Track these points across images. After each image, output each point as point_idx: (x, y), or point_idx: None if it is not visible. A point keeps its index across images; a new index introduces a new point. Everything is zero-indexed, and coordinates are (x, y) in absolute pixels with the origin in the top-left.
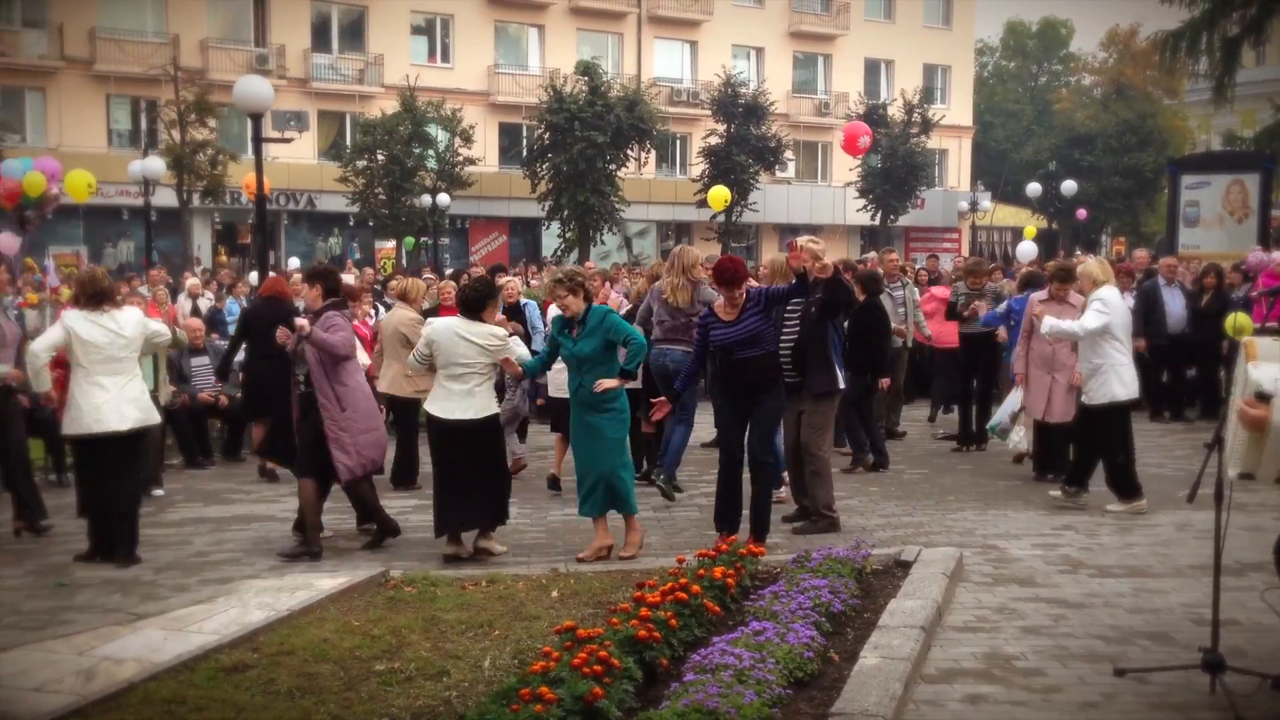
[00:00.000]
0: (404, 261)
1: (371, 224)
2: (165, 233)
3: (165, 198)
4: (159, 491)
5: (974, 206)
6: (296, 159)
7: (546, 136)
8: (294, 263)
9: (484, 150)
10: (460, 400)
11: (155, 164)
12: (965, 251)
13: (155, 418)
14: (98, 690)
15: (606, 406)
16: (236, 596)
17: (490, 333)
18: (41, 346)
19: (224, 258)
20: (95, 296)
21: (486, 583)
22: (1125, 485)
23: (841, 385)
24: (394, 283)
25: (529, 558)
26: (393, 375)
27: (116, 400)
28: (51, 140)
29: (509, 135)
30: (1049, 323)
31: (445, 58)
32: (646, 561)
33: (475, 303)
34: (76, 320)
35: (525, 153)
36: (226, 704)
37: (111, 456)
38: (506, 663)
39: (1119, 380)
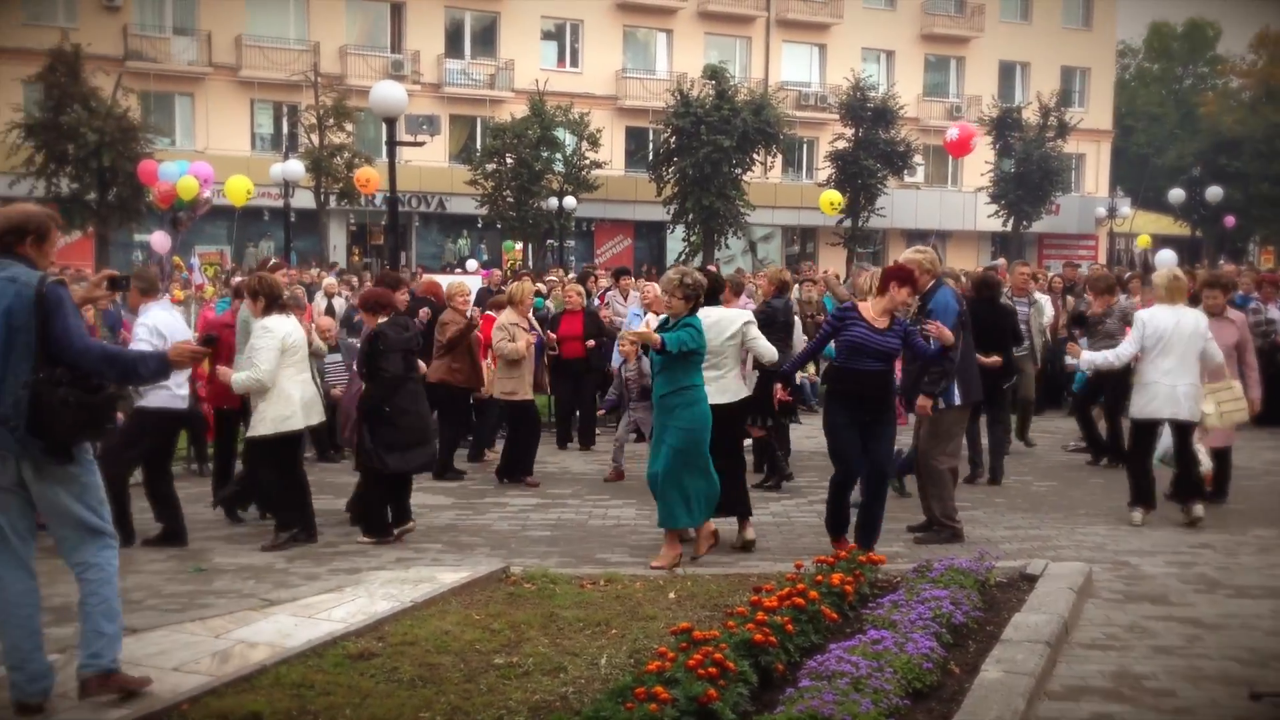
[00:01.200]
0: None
1: (499, 226)
2: (303, 233)
3: (303, 199)
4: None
5: (1112, 213)
6: (428, 162)
7: (673, 140)
8: (471, 264)
9: (610, 154)
10: (714, 385)
11: (295, 167)
12: (1102, 259)
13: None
14: (231, 672)
15: (674, 416)
16: (364, 587)
17: (736, 318)
18: (271, 365)
19: (357, 257)
20: (278, 300)
21: (604, 582)
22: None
23: (957, 400)
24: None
25: (647, 559)
26: (493, 377)
27: (310, 398)
28: (199, 143)
29: (635, 139)
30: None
31: (574, 62)
32: (764, 566)
33: (713, 292)
34: (283, 323)
35: (651, 156)
36: (352, 690)
37: (292, 451)
38: (622, 661)
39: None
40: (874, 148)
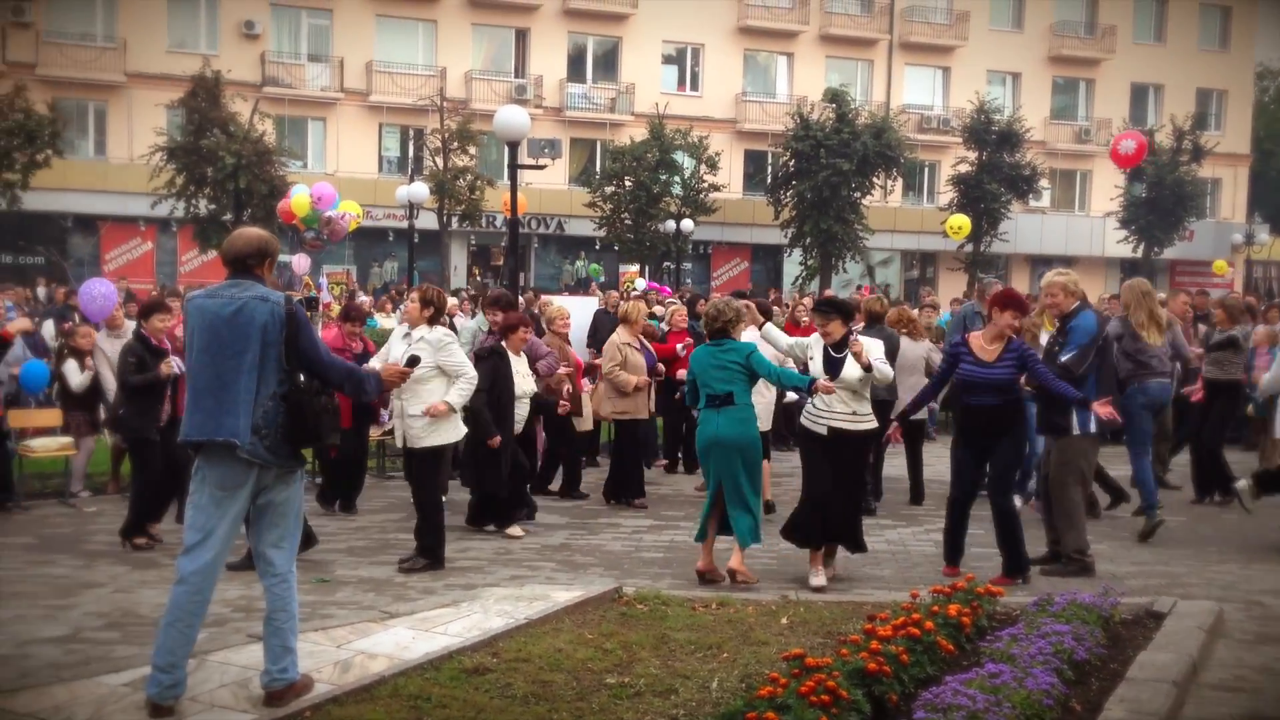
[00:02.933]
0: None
1: (617, 248)
2: (425, 254)
3: (426, 220)
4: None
5: (1249, 239)
6: (549, 185)
7: (791, 163)
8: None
9: (729, 177)
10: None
11: (420, 189)
12: (1239, 288)
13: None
14: (352, 681)
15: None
16: (479, 602)
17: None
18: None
19: (477, 277)
20: (444, 312)
21: (717, 605)
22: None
23: (1092, 428)
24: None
25: (760, 583)
26: (601, 397)
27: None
28: (329, 166)
29: (754, 162)
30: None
31: (694, 86)
32: (879, 595)
33: (850, 313)
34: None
35: (769, 179)
36: (467, 704)
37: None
38: (734, 685)
39: None
40: (998, 171)
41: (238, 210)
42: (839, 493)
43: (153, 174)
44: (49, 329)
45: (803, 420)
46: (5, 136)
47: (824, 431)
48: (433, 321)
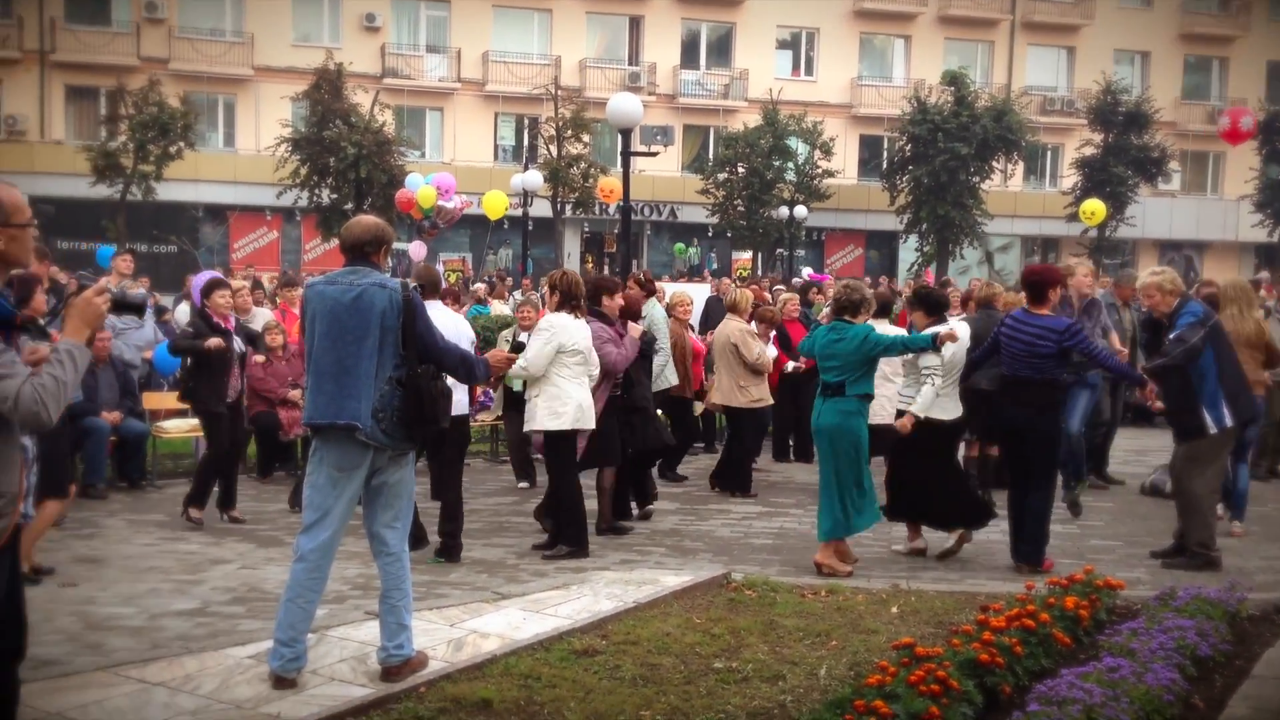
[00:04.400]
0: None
1: (729, 235)
2: (539, 241)
3: (540, 208)
4: (524, 484)
5: None
6: (661, 171)
7: (908, 148)
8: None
9: (843, 162)
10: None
11: (534, 177)
12: None
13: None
14: (465, 659)
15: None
16: (589, 585)
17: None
18: (536, 357)
19: (590, 265)
20: (574, 300)
21: (826, 592)
22: None
23: (1214, 427)
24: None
25: (870, 571)
26: (727, 386)
27: (586, 402)
28: (446, 155)
29: (869, 147)
30: None
31: (809, 70)
32: (991, 585)
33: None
34: (565, 322)
35: (885, 165)
36: (576, 684)
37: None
38: (842, 673)
39: None
40: (1125, 154)
41: (358, 199)
42: (926, 474)
43: (278, 165)
44: (182, 313)
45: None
46: (140, 130)
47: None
48: (560, 307)
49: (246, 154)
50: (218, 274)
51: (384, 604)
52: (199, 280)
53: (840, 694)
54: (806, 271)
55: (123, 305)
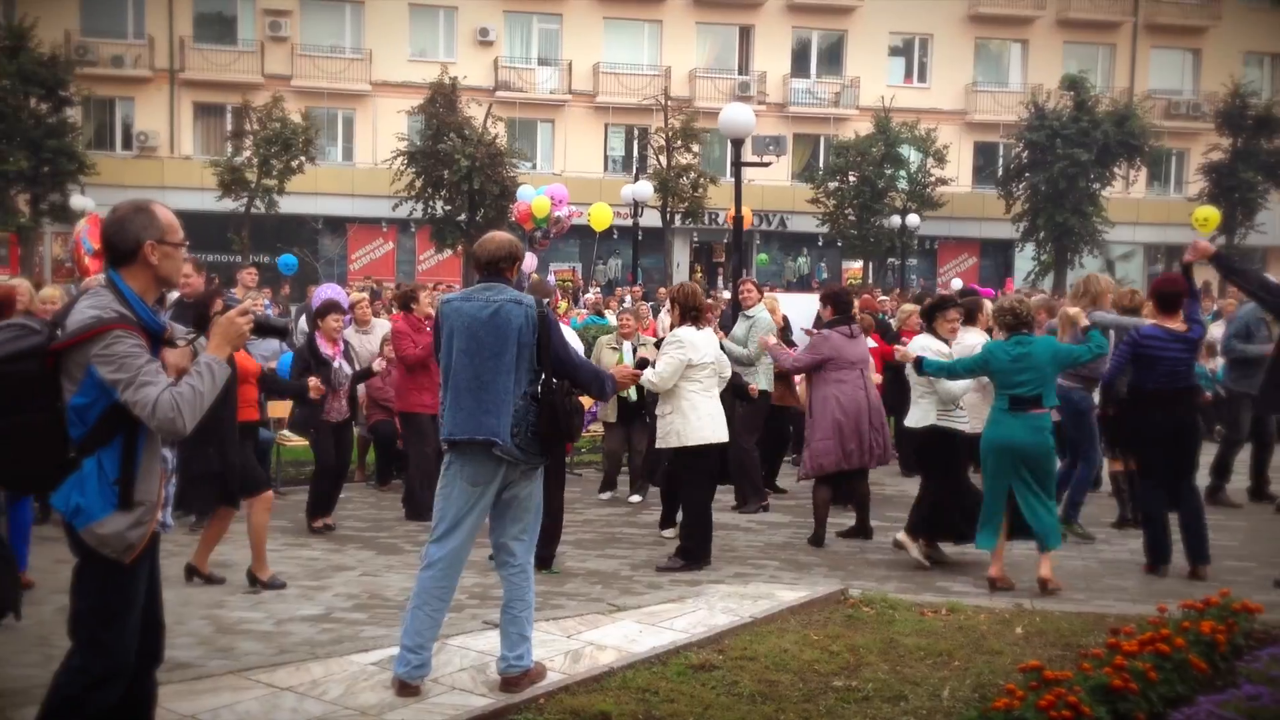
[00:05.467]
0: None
1: (840, 244)
2: (648, 251)
3: (649, 218)
4: (636, 497)
5: None
6: (771, 181)
7: (1025, 155)
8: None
9: (957, 170)
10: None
11: (645, 187)
12: None
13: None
14: (582, 671)
15: None
16: (704, 599)
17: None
18: (666, 372)
19: (699, 275)
20: (695, 311)
21: (946, 611)
22: None
23: None
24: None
25: (990, 590)
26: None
27: (718, 414)
28: (557, 166)
29: (984, 154)
30: None
31: (922, 77)
32: (1120, 606)
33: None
34: (694, 335)
35: (1001, 172)
36: (694, 699)
37: (708, 467)
38: (966, 695)
39: None
40: (1255, 158)
41: (471, 211)
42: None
43: (394, 178)
44: (304, 324)
45: (941, 422)
46: (264, 145)
47: (969, 430)
48: (682, 320)
49: (364, 167)
50: (337, 291)
51: (506, 614)
52: (320, 294)
53: (966, 716)
54: (954, 283)
55: (266, 329)
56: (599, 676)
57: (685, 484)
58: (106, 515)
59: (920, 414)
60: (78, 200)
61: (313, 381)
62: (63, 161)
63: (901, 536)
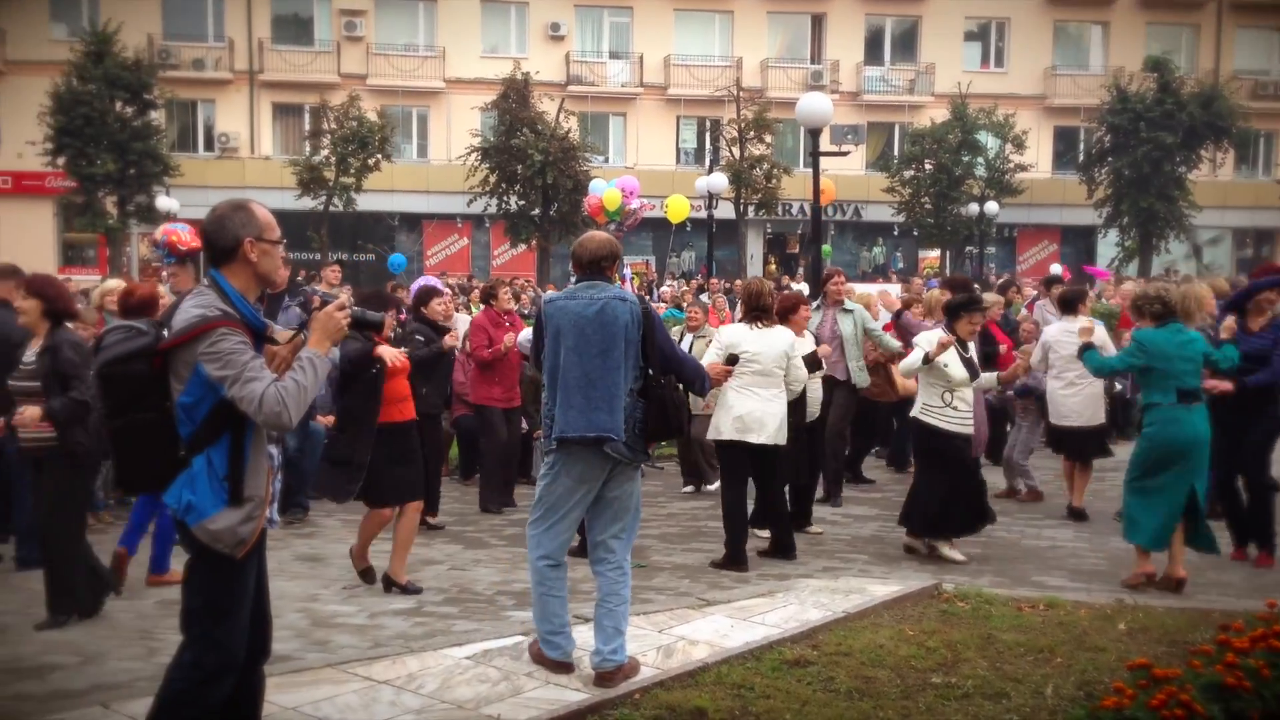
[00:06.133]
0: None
1: (916, 233)
2: (721, 243)
3: (723, 210)
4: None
5: None
6: (845, 171)
7: (1107, 139)
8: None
9: (1036, 156)
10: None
11: (719, 179)
12: None
13: (783, 438)
14: (676, 666)
15: None
16: (794, 594)
17: None
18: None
19: (773, 267)
20: (757, 310)
21: (1045, 606)
22: None
23: None
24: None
25: (1089, 585)
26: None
27: (752, 414)
28: (629, 159)
29: (1064, 139)
30: None
31: (999, 62)
32: (1225, 602)
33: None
34: (735, 334)
35: (1082, 157)
36: (790, 695)
37: (756, 464)
38: (1070, 693)
39: None
40: None
41: (545, 205)
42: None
43: (468, 173)
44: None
45: (942, 424)
46: (341, 144)
47: (971, 432)
48: (745, 317)
49: (438, 164)
50: (433, 281)
51: (601, 608)
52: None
53: (1072, 715)
54: (1056, 268)
55: (362, 323)
56: (693, 672)
57: (721, 479)
58: (218, 511)
59: (914, 408)
60: (163, 201)
61: (449, 339)
62: (148, 164)
63: (910, 540)
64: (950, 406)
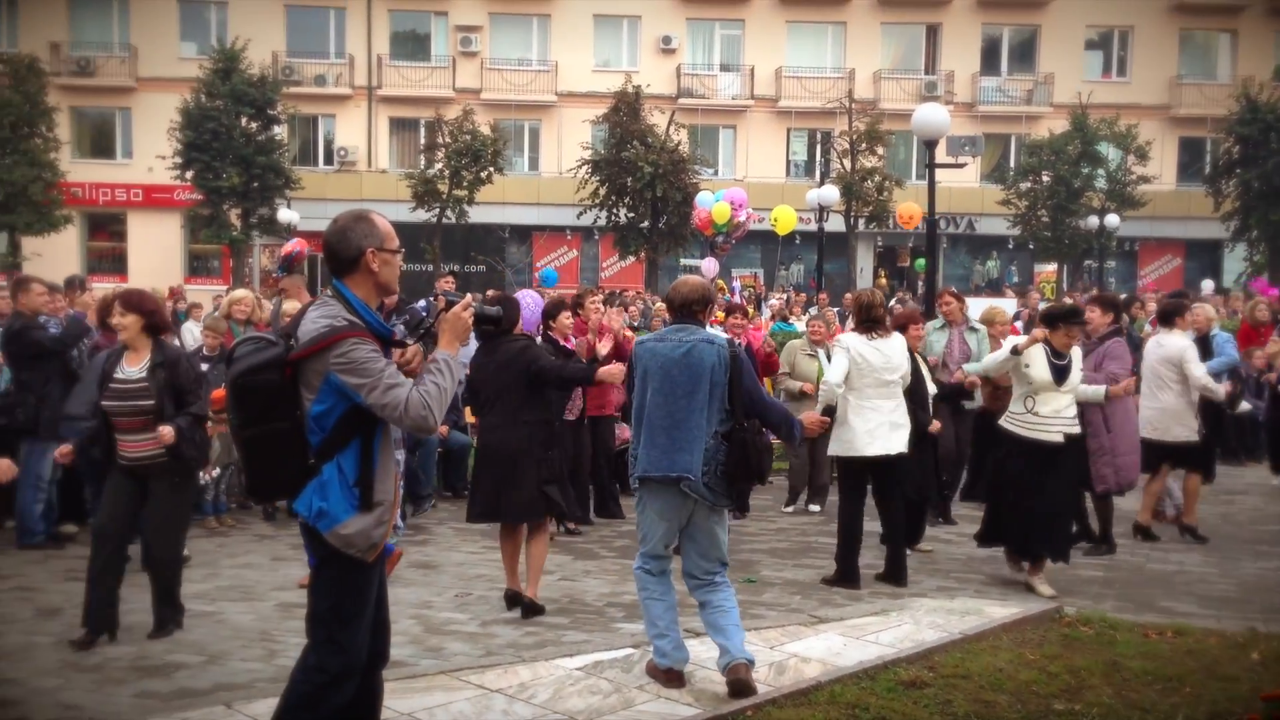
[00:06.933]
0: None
1: (1032, 246)
2: (831, 256)
3: (832, 223)
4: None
5: None
6: (958, 183)
7: (1235, 150)
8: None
9: (1160, 167)
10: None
11: (830, 192)
12: None
13: (904, 447)
14: (788, 684)
15: None
16: (909, 613)
17: None
18: (835, 379)
19: (883, 280)
20: (869, 321)
21: (1173, 633)
22: None
23: None
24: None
25: (1220, 612)
26: None
27: (886, 426)
28: (739, 172)
29: (1190, 150)
30: None
31: (1121, 71)
32: None
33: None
34: (855, 342)
35: (1209, 169)
36: (906, 718)
37: (876, 480)
38: None
39: None
40: None
41: (654, 218)
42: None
43: (578, 186)
44: None
45: (1020, 430)
46: (455, 157)
47: (1060, 439)
48: (856, 327)
49: (549, 176)
50: (535, 298)
51: (714, 610)
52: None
53: None
54: (1204, 285)
55: (483, 319)
56: (806, 690)
57: (839, 493)
58: (349, 517)
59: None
60: (284, 214)
61: (614, 367)
62: (270, 177)
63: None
64: (1031, 412)
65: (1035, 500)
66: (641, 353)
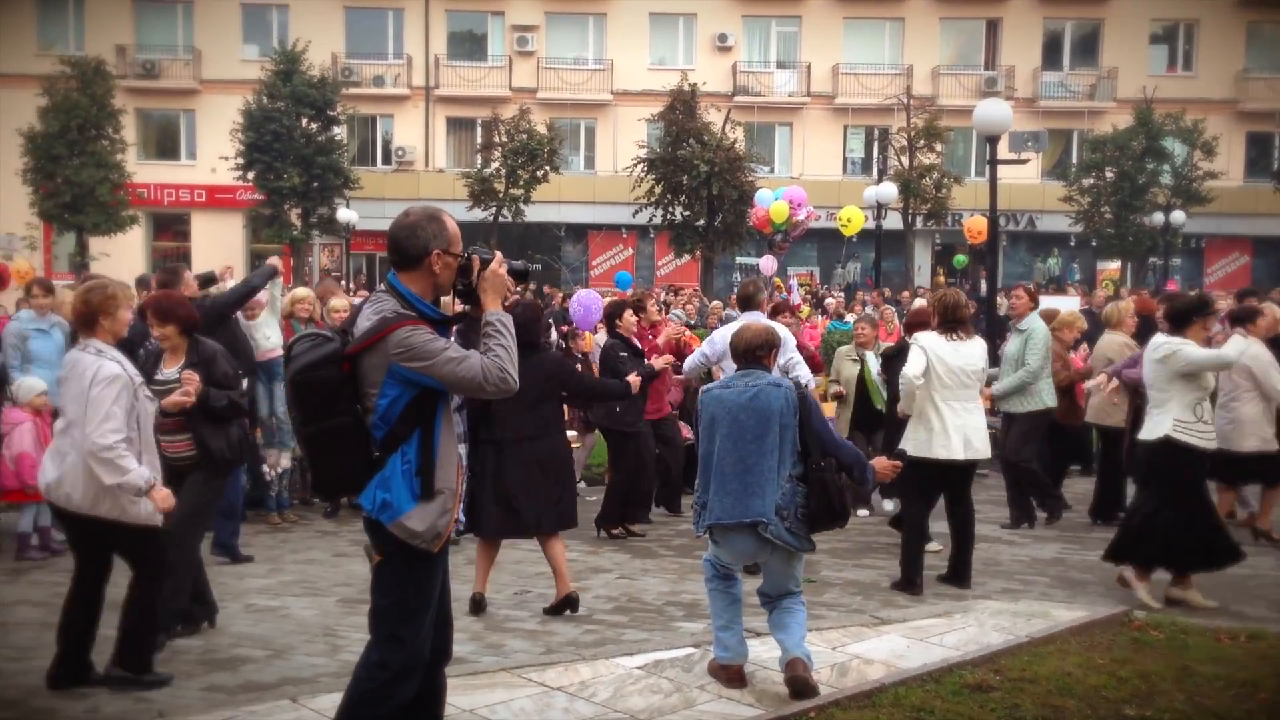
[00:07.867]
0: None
1: (1094, 244)
2: (888, 254)
3: (890, 220)
4: (889, 505)
5: None
6: (1019, 179)
7: None
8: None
9: (1227, 163)
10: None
11: (888, 189)
12: None
13: (987, 451)
14: (851, 686)
15: None
16: (973, 615)
17: None
18: (914, 372)
19: (941, 278)
20: (951, 322)
21: (1246, 638)
22: None
23: None
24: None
25: None
26: (1097, 403)
27: (963, 427)
28: (795, 169)
29: (1258, 145)
30: None
31: (1187, 65)
32: None
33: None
34: (934, 342)
35: (1277, 164)
36: None
37: (950, 482)
38: None
39: None
40: None
41: (710, 216)
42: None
43: (634, 184)
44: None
45: (1194, 440)
46: (512, 156)
47: (1212, 448)
48: (940, 329)
49: (604, 175)
50: (593, 298)
51: (782, 611)
52: (578, 302)
53: None
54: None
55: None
56: (869, 692)
57: (907, 497)
58: (413, 508)
59: (1153, 425)
60: (343, 214)
61: (633, 378)
62: (330, 177)
63: (1128, 574)
64: (1201, 420)
65: (1201, 510)
66: (708, 400)
